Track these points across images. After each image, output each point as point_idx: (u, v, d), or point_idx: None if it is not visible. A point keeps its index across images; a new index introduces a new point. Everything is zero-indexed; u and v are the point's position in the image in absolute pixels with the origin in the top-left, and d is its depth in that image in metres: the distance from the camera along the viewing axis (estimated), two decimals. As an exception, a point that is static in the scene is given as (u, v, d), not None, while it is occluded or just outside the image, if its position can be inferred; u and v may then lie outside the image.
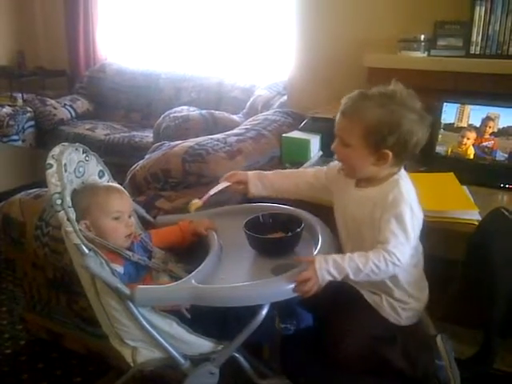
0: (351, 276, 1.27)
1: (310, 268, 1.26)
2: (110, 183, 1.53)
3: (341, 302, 1.44)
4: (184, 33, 4.43)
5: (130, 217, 1.45)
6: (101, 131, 4.10)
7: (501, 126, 2.08)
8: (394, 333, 1.42)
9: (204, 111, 3.34)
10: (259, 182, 1.61)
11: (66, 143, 1.39)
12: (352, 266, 1.27)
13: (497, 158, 2.09)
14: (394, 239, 1.28)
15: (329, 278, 1.27)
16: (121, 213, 1.41)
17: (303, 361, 1.46)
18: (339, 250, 1.46)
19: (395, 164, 1.36)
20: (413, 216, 1.31)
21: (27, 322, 2.22)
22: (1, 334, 2.25)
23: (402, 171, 1.40)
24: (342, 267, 1.27)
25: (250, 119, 2.60)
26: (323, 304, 1.46)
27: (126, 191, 1.49)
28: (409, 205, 1.31)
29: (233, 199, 1.94)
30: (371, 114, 1.30)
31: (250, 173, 1.64)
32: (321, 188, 1.59)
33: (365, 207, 1.38)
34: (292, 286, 1.26)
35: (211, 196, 1.60)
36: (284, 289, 1.27)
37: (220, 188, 1.61)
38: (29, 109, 4.23)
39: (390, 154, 1.32)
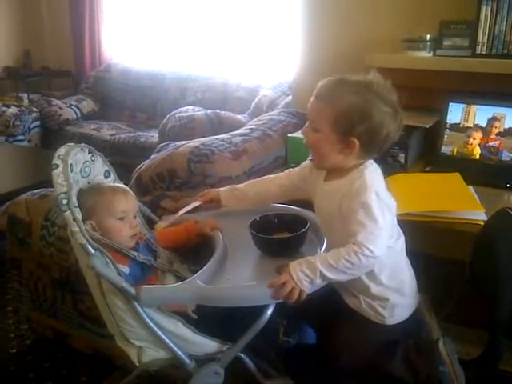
0: (328, 274, 1.24)
1: (285, 272, 1.25)
2: (116, 183, 1.53)
3: (328, 315, 1.43)
4: (189, 33, 4.43)
5: (135, 217, 1.45)
6: (106, 131, 4.11)
7: (507, 126, 2.07)
8: (390, 337, 1.40)
9: (209, 111, 3.34)
10: (232, 196, 1.59)
11: (71, 143, 1.39)
12: (324, 263, 1.24)
13: (503, 158, 2.08)
14: (362, 230, 1.24)
15: (305, 278, 1.24)
16: (126, 213, 1.41)
17: (307, 364, 1.46)
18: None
19: (362, 156, 1.33)
20: (380, 203, 1.27)
21: (33, 322, 2.22)
22: (6, 334, 2.26)
23: (369, 162, 1.36)
24: (314, 265, 1.24)
25: (256, 119, 2.60)
26: (315, 317, 1.46)
27: (131, 191, 1.49)
28: (374, 192, 1.27)
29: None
30: (344, 99, 1.28)
31: (221, 189, 1.62)
32: (294, 189, 1.56)
33: (332, 200, 1.35)
34: (270, 292, 1.24)
35: (180, 216, 1.59)
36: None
37: (190, 207, 1.60)
38: (35, 109, 4.24)
39: (357, 143, 1.28)
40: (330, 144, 1.32)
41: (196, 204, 1.62)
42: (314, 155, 1.39)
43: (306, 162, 1.50)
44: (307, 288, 1.25)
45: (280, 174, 1.60)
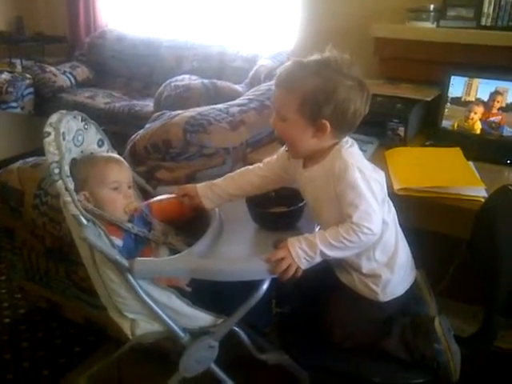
0: (326, 251, 1.22)
1: (283, 247, 1.24)
2: (110, 153, 1.50)
3: (321, 290, 1.42)
4: (186, 0, 4.33)
5: (129, 187, 1.42)
6: (101, 99, 4.04)
7: (509, 101, 2.03)
8: (384, 314, 1.39)
9: (206, 80, 3.28)
10: (210, 192, 1.50)
11: (64, 111, 1.35)
12: (323, 241, 1.22)
13: (504, 134, 2.05)
14: (356, 211, 1.22)
15: (304, 255, 1.23)
16: (119, 183, 1.38)
17: (303, 338, 1.45)
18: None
19: (336, 136, 1.29)
20: (365, 178, 1.24)
21: (26, 292, 2.21)
22: (0, 303, 2.25)
23: (344, 140, 1.32)
24: (314, 243, 1.22)
25: (253, 89, 2.55)
26: (309, 292, 1.45)
27: (125, 161, 1.46)
28: (356, 168, 1.24)
29: (234, 171, 1.91)
30: (305, 82, 1.23)
31: (198, 186, 1.52)
32: (276, 178, 1.50)
33: (316, 185, 1.32)
34: (266, 266, 1.23)
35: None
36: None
37: (164, 197, 1.54)
38: (28, 75, 4.17)
39: (328, 124, 1.25)
40: (300, 131, 1.27)
41: (170, 196, 1.55)
42: (287, 145, 1.35)
43: (282, 151, 1.45)
44: (304, 265, 1.24)
45: (259, 164, 1.53)
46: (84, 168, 1.36)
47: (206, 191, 1.50)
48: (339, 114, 1.24)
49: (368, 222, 1.22)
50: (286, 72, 1.28)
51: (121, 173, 1.41)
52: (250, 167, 1.54)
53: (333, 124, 1.25)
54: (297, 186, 1.44)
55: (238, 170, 1.55)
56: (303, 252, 1.23)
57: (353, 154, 1.29)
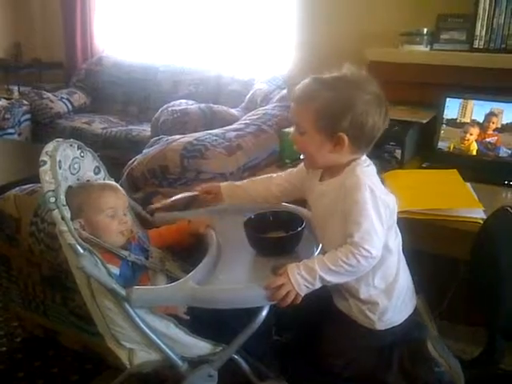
0: (326, 277, 1.21)
1: (283, 274, 1.22)
2: (105, 181, 1.49)
3: (318, 316, 1.41)
4: (182, 25, 4.38)
5: (124, 214, 1.41)
6: (98, 125, 4.05)
7: (504, 122, 2.05)
8: (382, 342, 1.36)
9: (202, 105, 3.30)
10: (232, 192, 1.56)
11: (60, 139, 1.35)
12: (322, 266, 1.21)
13: (500, 155, 2.06)
14: (358, 229, 1.21)
15: (304, 282, 1.21)
16: (115, 210, 1.38)
17: (302, 366, 1.44)
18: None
19: (354, 151, 1.29)
20: (375, 200, 1.23)
21: (23, 320, 2.18)
22: (-4, 332, 2.22)
23: (363, 159, 1.33)
24: (313, 269, 1.21)
25: (250, 114, 2.57)
26: (306, 318, 1.44)
27: (121, 188, 1.46)
28: (367, 187, 1.23)
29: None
30: (321, 96, 1.25)
31: (222, 184, 1.59)
32: (293, 189, 1.53)
33: (327, 200, 1.33)
34: (265, 293, 1.21)
35: (173, 201, 1.56)
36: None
37: (186, 195, 1.57)
38: (25, 102, 4.17)
39: (346, 137, 1.25)
40: (318, 144, 1.29)
41: (191, 194, 1.58)
42: (306, 158, 1.38)
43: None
44: (303, 291, 1.22)
45: (281, 173, 1.57)
46: (79, 195, 1.36)
47: (228, 190, 1.56)
48: (357, 127, 1.25)
49: (368, 243, 1.21)
50: (303, 87, 1.30)
51: (117, 200, 1.41)
52: (274, 175, 1.59)
53: (350, 138, 1.26)
54: (307, 198, 1.46)
55: (262, 176, 1.61)
56: (302, 279, 1.21)
57: (368, 173, 1.29)
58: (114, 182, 1.51)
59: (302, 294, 1.23)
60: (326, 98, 1.25)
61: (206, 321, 1.31)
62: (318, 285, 1.23)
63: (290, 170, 1.56)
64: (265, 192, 1.55)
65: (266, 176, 1.59)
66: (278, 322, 1.37)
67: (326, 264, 1.22)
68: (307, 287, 1.22)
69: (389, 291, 1.35)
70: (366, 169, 1.31)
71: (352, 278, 1.26)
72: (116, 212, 1.39)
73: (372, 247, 1.21)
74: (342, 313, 1.38)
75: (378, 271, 1.32)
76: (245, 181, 1.60)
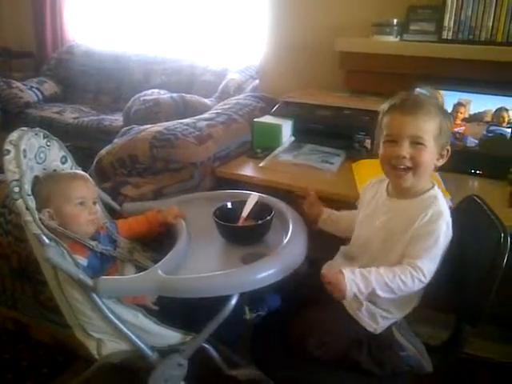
0: (378, 291, 1.25)
1: (340, 279, 1.24)
2: (74, 170, 1.48)
3: (313, 297, 1.41)
4: (155, 14, 4.32)
5: (94, 203, 1.40)
6: (69, 114, 3.98)
7: (472, 112, 2.07)
8: (360, 336, 1.39)
9: (175, 94, 3.27)
10: (328, 217, 1.60)
11: (25, 128, 1.33)
12: (379, 280, 1.25)
13: (468, 144, 2.09)
14: (425, 256, 1.27)
15: (354, 289, 1.24)
16: (84, 199, 1.37)
17: (273, 351, 1.44)
18: (311, 239, 1.44)
19: (436, 169, 1.39)
20: (447, 234, 1.30)
21: (-8, 313, 2.16)
22: (-35, 325, 2.19)
23: (436, 187, 1.38)
24: (369, 280, 1.24)
25: (222, 103, 2.56)
26: (296, 293, 1.45)
27: (89, 178, 1.45)
28: (446, 223, 1.30)
29: (201, 186, 1.90)
30: (437, 112, 1.33)
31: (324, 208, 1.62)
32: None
33: (399, 219, 1.35)
34: (264, 274, 1.23)
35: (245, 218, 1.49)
36: (253, 278, 1.24)
37: (251, 205, 1.50)
38: (-6, 91, 4.09)
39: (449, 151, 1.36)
40: (433, 157, 1.34)
41: (255, 199, 1.51)
42: (415, 170, 1.33)
43: (368, 183, 1.55)
44: (348, 297, 1.26)
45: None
46: (48, 185, 1.34)
47: (328, 214, 1.60)
48: (449, 141, 1.36)
49: (427, 269, 1.27)
50: (419, 100, 1.34)
51: (86, 189, 1.40)
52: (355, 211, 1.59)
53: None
54: (362, 211, 1.49)
55: (350, 211, 1.61)
56: (356, 286, 1.24)
57: (446, 207, 1.34)
58: (83, 172, 1.49)
59: (346, 299, 1.26)
60: (439, 114, 1.33)
61: (176, 310, 1.32)
62: (364, 293, 1.26)
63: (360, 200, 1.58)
64: (350, 226, 1.54)
65: (352, 212, 1.60)
66: (251, 298, 1.36)
67: (382, 278, 1.25)
68: (355, 295, 1.25)
69: (403, 309, 1.40)
70: (445, 201, 1.36)
71: (395, 296, 1.29)
72: (85, 202, 1.38)
73: (429, 274, 1.27)
74: (345, 310, 1.39)
75: None
76: (340, 211, 1.62)
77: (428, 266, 1.27)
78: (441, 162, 1.37)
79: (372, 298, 1.29)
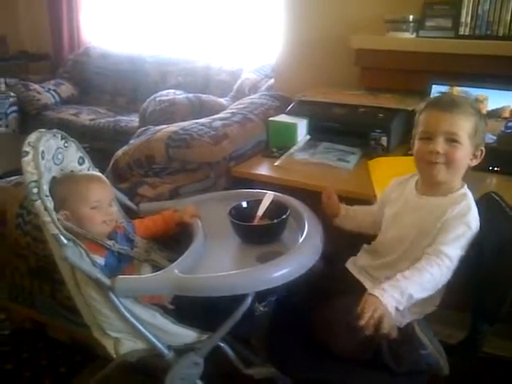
0: (413, 294, 1.23)
1: (374, 301, 1.20)
2: (90, 172, 1.49)
3: (337, 291, 1.41)
4: (170, 16, 4.34)
5: (110, 205, 1.41)
6: (86, 116, 4.03)
7: (489, 108, 2.04)
8: None
9: (190, 95, 3.28)
10: (346, 212, 1.60)
11: (43, 129, 1.35)
12: (411, 285, 1.23)
13: (485, 141, 2.06)
14: (452, 243, 1.28)
15: (394, 304, 1.21)
16: (100, 202, 1.38)
17: (290, 349, 1.44)
18: (327, 238, 1.44)
19: (469, 170, 1.39)
20: (473, 230, 1.31)
21: (11, 312, 2.18)
22: (-16, 325, 2.22)
23: (466, 186, 1.39)
24: (401, 287, 1.22)
25: (237, 103, 2.56)
26: (312, 291, 1.44)
27: (106, 179, 1.46)
28: (474, 218, 1.32)
29: (217, 185, 1.91)
30: (474, 112, 1.34)
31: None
32: (380, 215, 1.55)
33: (430, 216, 1.35)
34: (279, 273, 1.23)
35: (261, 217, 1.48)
36: (269, 277, 1.24)
37: (267, 204, 1.49)
38: (12, 94, 4.14)
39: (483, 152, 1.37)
40: (467, 155, 1.35)
41: (270, 198, 1.50)
42: (448, 167, 1.34)
43: (393, 182, 1.54)
44: (392, 312, 1.21)
45: (373, 206, 1.61)
46: (64, 187, 1.35)
47: (345, 210, 1.60)
48: (483, 142, 1.38)
49: (454, 256, 1.27)
50: (456, 98, 1.36)
51: (102, 191, 1.41)
52: (368, 207, 1.62)
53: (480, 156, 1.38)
54: (388, 209, 1.49)
55: (362, 206, 1.63)
56: (392, 298, 1.21)
57: (474, 204, 1.36)
58: (99, 174, 1.50)
59: (392, 314, 1.21)
60: (477, 114, 1.35)
61: (192, 309, 1.32)
62: (404, 304, 1.23)
63: (380, 197, 1.59)
64: (365, 222, 1.58)
65: (366, 207, 1.61)
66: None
67: (411, 279, 1.24)
68: (396, 308, 1.22)
69: (427, 305, 1.39)
70: (472, 198, 1.37)
71: (431, 292, 1.28)
72: (101, 204, 1.39)
73: (455, 260, 1.27)
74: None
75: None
76: (353, 206, 1.62)
77: (454, 252, 1.27)
78: (474, 163, 1.38)
79: (412, 302, 1.25)
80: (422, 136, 1.37)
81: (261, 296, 1.37)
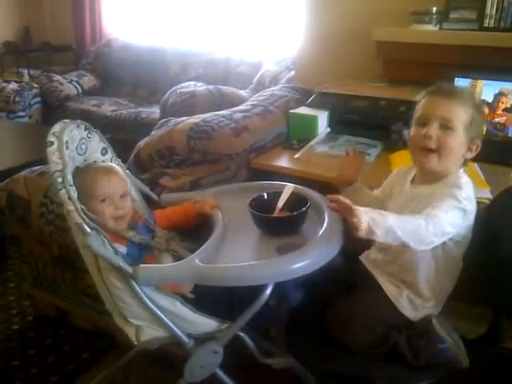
0: (395, 228, 1.19)
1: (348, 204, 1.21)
2: (103, 164, 1.47)
3: (353, 286, 1.42)
4: (191, 8, 4.36)
5: (121, 196, 1.40)
6: (107, 107, 4.07)
7: (514, 102, 2.02)
8: (401, 321, 1.40)
9: (211, 86, 3.30)
10: (361, 188, 1.59)
11: (67, 120, 1.36)
12: (395, 218, 1.21)
13: (509, 135, 2.04)
14: (440, 207, 1.25)
15: (368, 219, 1.18)
16: (107, 195, 1.36)
17: (308, 340, 1.45)
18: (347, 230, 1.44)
19: (466, 162, 1.38)
20: (461, 205, 1.27)
21: (34, 298, 2.23)
22: (8, 310, 2.27)
23: (462, 171, 1.38)
24: (385, 215, 1.21)
25: (257, 95, 2.56)
26: (330, 286, 1.45)
27: (119, 171, 1.45)
28: (462, 195, 1.29)
29: (237, 177, 1.92)
30: (473, 102, 1.34)
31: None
32: (382, 197, 1.57)
33: (419, 205, 1.34)
34: (299, 264, 1.23)
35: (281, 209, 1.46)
36: (289, 268, 1.25)
37: (287, 196, 1.47)
38: (35, 85, 4.21)
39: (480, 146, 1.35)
40: (460, 145, 1.34)
41: (290, 191, 1.47)
42: (440, 154, 1.34)
43: (396, 171, 1.55)
44: (364, 225, 1.18)
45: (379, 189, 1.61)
46: (77, 180, 1.33)
47: (360, 185, 1.59)
48: (480, 137, 1.35)
49: (441, 219, 1.24)
50: (455, 88, 1.38)
51: (110, 185, 1.38)
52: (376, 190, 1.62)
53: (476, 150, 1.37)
54: (391, 203, 1.48)
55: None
56: (368, 217, 1.19)
57: (469, 185, 1.35)
58: (112, 165, 1.48)
59: (362, 227, 1.18)
60: (476, 104, 1.34)
61: (212, 299, 1.33)
62: (382, 233, 1.19)
63: (384, 183, 1.59)
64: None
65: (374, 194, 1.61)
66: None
67: (399, 216, 1.23)
68: (368, 223, 1.18)
69: (440, 298, 1.42)
70: (468, 182, 1.36)
71: (413, 242, 1.24)
72: (110, 198, 1.37)
73: (443, 224, 1.24)
74: (386, 296, 1.40)
75: (441, 276, 1.40)
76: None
77: (441, 214, 1.24)
78: (469, 156, 1.37)
79: (392, 236, 1.21)
80: (418, 121, 1.37)
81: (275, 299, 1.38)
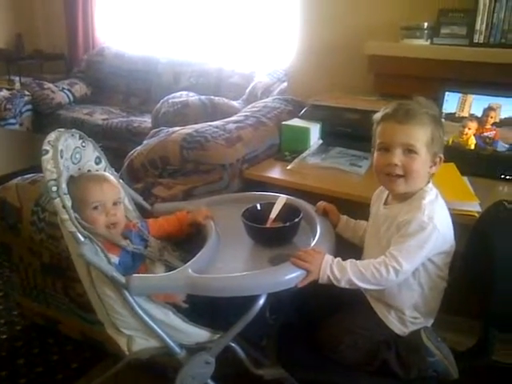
0: (354, 280, 1.27)
1: (318, 257, 1.28)
2: (95, 172, 1.48)
3: (345, 302, 1.43)
4: (183, 18, 4.38)
5: (115, 204, 1.40)
6: (99, 116, 4.07)
7: (503, 117, 2.05)
8: (390, 337, 1.41)
9: (203, 97, 3.31)
10: (346, 223, 1.60)
11: (62, 129, 1.36)
12: (353, 269, 1.28)
13: (498, 149, 2.07)
14: (400, 244, 1.29)
15: (329, 274, 1.28)
16: (99, 202, 1.37)
17: (300, 353, 1.45)
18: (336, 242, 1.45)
19: (430, 176, 1.39)
20: (429, 226, 1.28)
21: (23, 308, 2.21)
22: (-3, 319, 2.25)
23: (429, 186, 1.38)
24: (345, 268, 1.28)
25: (250, 106, 2.58)
26: (323, 302, 1.46)
27: (112, 178, 1.45)
28: (426, 214, 1.29)
29: (230, 187, 1.93)
30: (430, 120, 1.33)
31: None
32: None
33: (391, 223, 1.37)
34: (292, 275, 1.26)
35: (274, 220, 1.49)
36: (281, 279, 1.26)
37: (279, 207, 1.50)
38: (26, 92, 4.20)
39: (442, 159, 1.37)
40: (425, 164, 1.35)
41: (282, 202, 1.51)
42: (407, 178, 1.35)
43: (375, 191, 1.54)
44: (323, 280, 1.29)
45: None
46: (71, 189, 1.33)
47: (345, 220, 1.60)
48: (442, 149, 1.37)
49: (403, 258, 1.28)
50: (411, 109, 1.34)
51: (102, 192, 1.38)
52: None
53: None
54: (370, 225, 1.51)
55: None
56: (331, 271, 1.28)
57: (433, 204, 1.34)
58: (102, 173, 1.49)
59: (320, 282, 1.29)
60: (433, 121, 1.34)
61: (204, 309, 1.33)
62: (342, 283, 1.29)
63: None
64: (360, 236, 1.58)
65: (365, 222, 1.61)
66: (271, 303, 1.38)
67: (357, 266, 1.29)
68: (329, 279, 1.28)
69: (429, 315, 1.44)
70: (433, 198, 1.36)
71: (375, 287, 1.31)
72: (102, 205, 1.37)
73: (405, 261, 1.28)
74: (376, 314, 1.42)
75: (425, 301, 1.41)
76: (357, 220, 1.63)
77: (404, 254, 1.27)
78: (434, 170, 1.38)
79: (352, 286, 1.29)
80: (380, 147, 1.37)
81: (272, 309, 1.40)
